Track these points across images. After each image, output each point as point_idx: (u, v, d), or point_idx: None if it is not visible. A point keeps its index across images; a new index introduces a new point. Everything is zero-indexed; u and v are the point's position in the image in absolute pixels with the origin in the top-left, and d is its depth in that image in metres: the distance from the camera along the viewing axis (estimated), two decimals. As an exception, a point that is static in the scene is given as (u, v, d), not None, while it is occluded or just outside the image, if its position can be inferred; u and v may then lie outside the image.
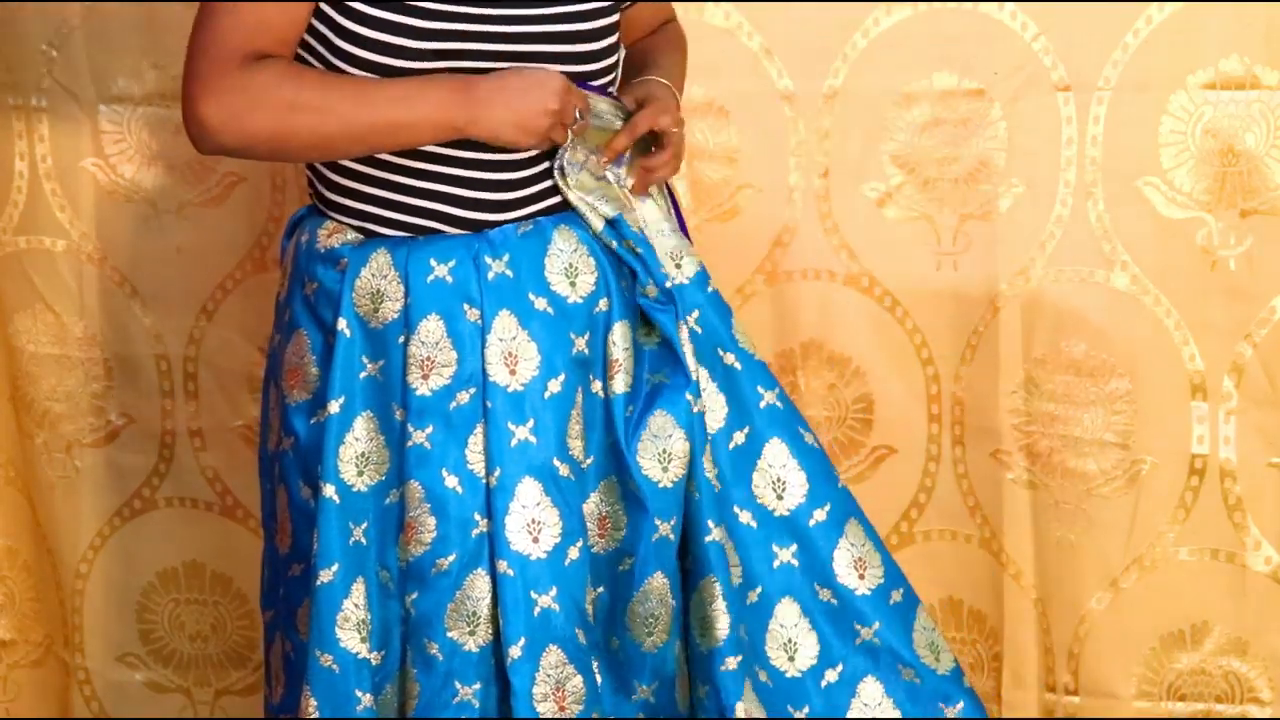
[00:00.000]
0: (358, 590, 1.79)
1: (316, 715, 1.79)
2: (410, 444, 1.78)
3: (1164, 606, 2.43)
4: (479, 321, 1.79)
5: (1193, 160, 2.32)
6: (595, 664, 1.82)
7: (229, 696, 2.71)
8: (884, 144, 2.40)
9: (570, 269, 1.82)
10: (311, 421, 1.82)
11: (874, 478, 2.50)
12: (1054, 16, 2.32)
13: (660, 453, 1.82)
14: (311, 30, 1.75)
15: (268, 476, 1.93)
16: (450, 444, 1.78)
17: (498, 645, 1.78)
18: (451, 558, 1.78)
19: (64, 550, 2.68)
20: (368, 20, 1.73)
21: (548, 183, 1.84)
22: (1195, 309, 2.36)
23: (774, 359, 2.47)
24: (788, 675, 1.91)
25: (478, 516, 1.78)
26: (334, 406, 1.79)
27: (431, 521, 1.78)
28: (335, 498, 1.78)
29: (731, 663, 1.83)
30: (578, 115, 1.79)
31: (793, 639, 1.92)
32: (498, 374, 1.78)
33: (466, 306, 1.78)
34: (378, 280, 1.79)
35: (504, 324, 1.79)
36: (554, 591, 1.78)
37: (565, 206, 1.86)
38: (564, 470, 1.80)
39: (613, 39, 1.85)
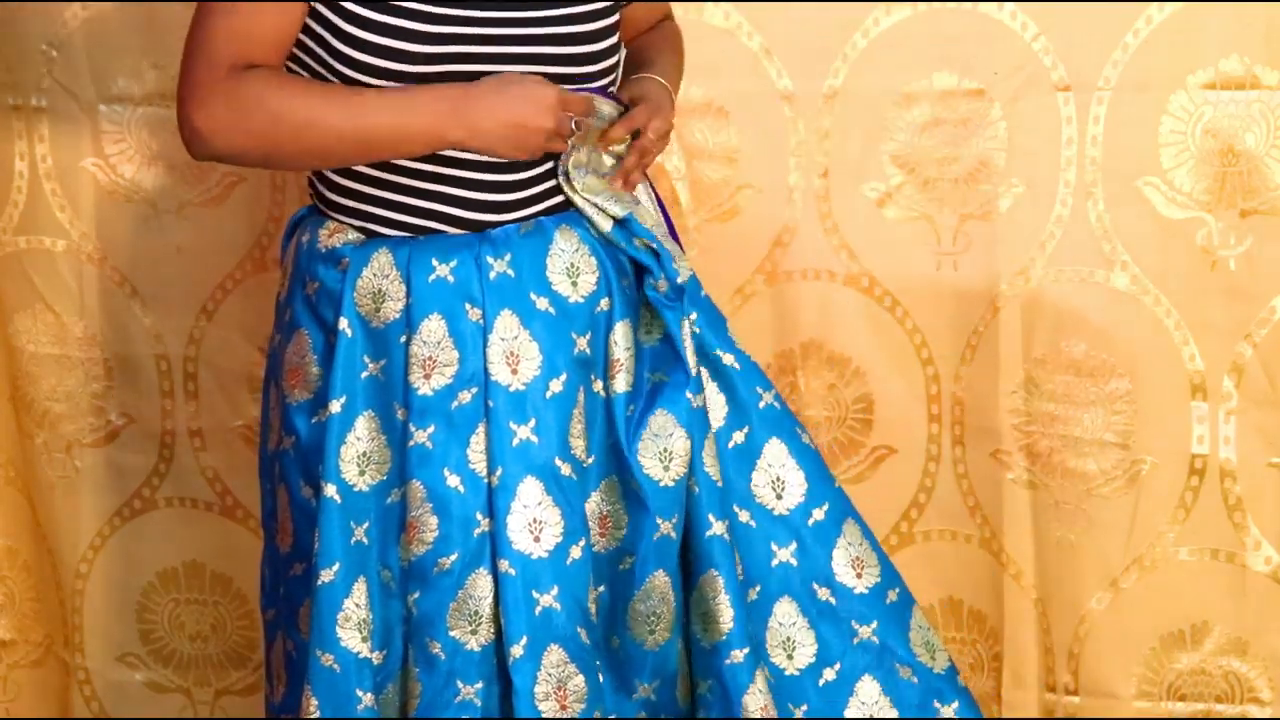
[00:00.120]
0: (359, 590, 1.79)
1: (318, 715, 1.79)
2: (412, 443, 1.78)
3: (1164, 606, 2.44)
4: (481, 321, 1.79)
5: (1193, 160, 2.32)
6: (597, 663, 1.82)
7: (229, 696, 2.70)
8: (884, 144, 2.40)
9: (572, 269, 1.82)
10: (313, 421, 1.82)
11: (874, 478, 2.50)
12: (1054, 16, 2.32)
13: (661, 451, 1.82)
14: (310, 33, 1.75)
15: (268, 476, 1.93)
16: (452, 443, 1.78)
17: (499, 644, 1.78)
18: (453, 557, 1.78)
19: (64, 550, 2.68)
20: (367, 24, 1.73)
21: (549, 183, 1.84)
22: (1195, 309, 2.36)
23: (774, 359, 2.48)
24: (787, 673, 1.92)
25: (479, 516, 1.78)
26: (335, 406, 1.79)
27: (433, 521, 1.78)
28: (337, 497, 1.78)
29: (738, 655, 1.83)
30: (574, 126, 1.79)
31: (791, 637, 1.92)
32: (499, 373, 1.78)
33: (468, 306, 1.79)
34: (379, 280, 1.79)
35: (505, 324, 1.79)
36: (556, 591, 1.78)
37: (567, 206, 1.86)
38: (566, 470, 1.80)
39: (613, 39, 1.85)
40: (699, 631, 1.87)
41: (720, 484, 1.86)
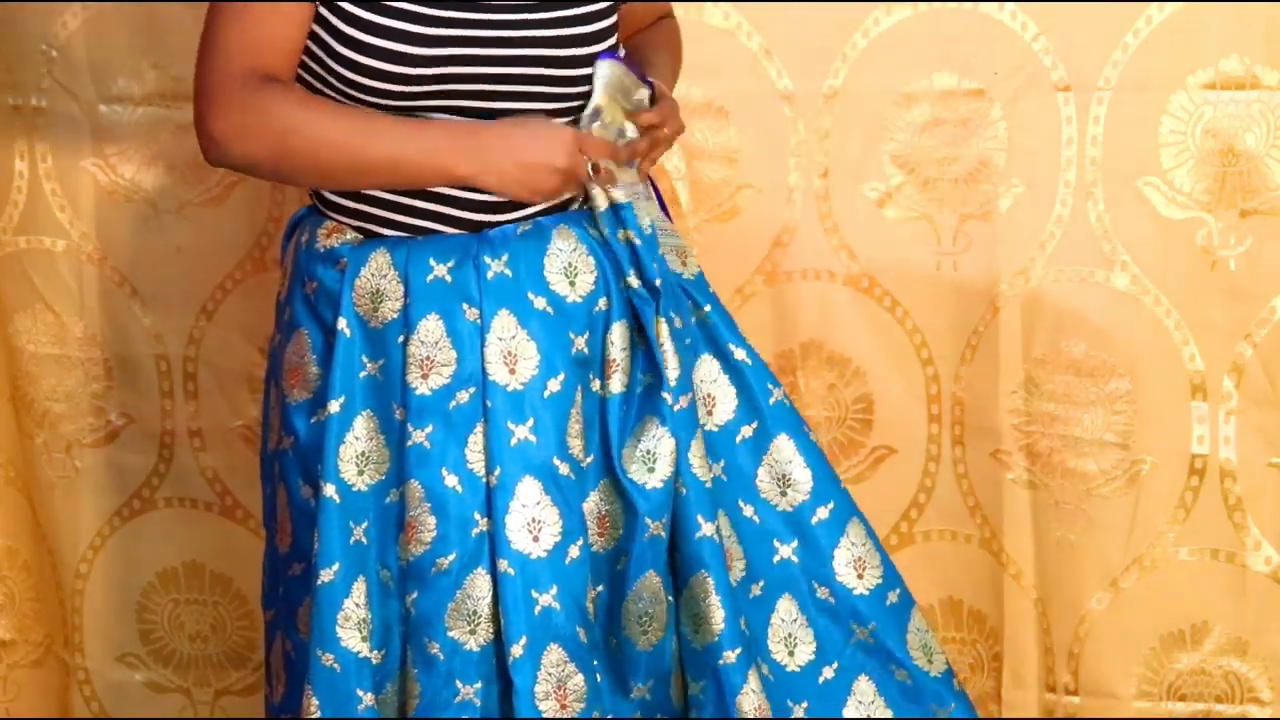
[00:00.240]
0: (358, 589, 1.79)
1: (318, 714, 1.79)
2: (410, 443, 1.78)
3: (1164, 606, 2.43)
4: (478, 321, 1.79)
5: (1193, 160, 2.32)
6: (595, 662, 1.82)
7: (229, 696, 2.70)
8: (884, 144, 2.40)
9: (569, 268, 1.82)
10: (312, 421, 1.82)
11: (874, 478, 2.50)
12: (1054, 16, 2.32)
13: (645, 454, 1.82)
14: (312, 36, 1.76)
15: (268, 476, 1.93)
16: (450, 443, 1.78)
17: (499, 644, 1.78)
18: (451, 557, 1.78)
19: (64, 550, 2.68)
20: (365, 25, 1.73)
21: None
22: (1195, 309, 2.36)
23: (774, 359, 2.47)
24: (788, 669, 1.92)
25: (478, 516, 1.78)
26: (334, 406, 1.79)
27: (431, 521, 1.78)
28: (336, 497, 1.78)
29: (730, 656, 1.83)
30: (590, 171, 1.80)
31: (792, 634, 1.92)
32: (497, 373, 1.78)
33: (466, 306, 1.79)
34: (377, 280, 1.79)
35: (503, 323, 1.79)
36: (554, 590, 1.77)
37: (564, 206, 1.86)
38: (564, 469, 1.80)
39: (612, 40, 1.85)
40: (689, 633, 1.86)
41: (709, 485, 1.85)
